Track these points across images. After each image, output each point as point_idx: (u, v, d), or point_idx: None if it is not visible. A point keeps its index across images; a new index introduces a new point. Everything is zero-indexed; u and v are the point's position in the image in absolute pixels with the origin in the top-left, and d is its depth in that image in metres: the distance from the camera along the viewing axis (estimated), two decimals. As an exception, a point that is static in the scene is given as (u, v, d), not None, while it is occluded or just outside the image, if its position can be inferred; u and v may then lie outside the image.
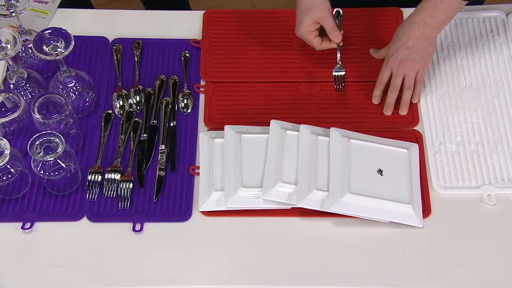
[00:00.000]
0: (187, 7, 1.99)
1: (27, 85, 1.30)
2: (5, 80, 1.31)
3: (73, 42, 1.22)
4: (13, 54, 1.22)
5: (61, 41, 1.22)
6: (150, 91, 1.34)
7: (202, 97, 1.34)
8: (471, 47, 1.39)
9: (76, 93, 1.29)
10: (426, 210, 1.22)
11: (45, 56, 1.21)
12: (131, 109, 1.32)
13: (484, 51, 1.39)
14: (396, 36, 1.29)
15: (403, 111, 1.31)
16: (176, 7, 1.57)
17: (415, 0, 1.28)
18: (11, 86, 1.29)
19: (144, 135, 1.29)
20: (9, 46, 1.22)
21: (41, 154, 1.16)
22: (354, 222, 1.20)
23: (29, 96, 1.30)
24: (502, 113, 1.31)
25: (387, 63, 1.29)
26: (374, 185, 1.21)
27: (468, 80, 1.35)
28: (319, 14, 1.28)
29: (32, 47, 1.21)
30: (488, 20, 1.42)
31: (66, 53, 1.21)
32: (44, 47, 1.22)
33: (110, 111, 1.32)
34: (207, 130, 1.30)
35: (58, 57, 1.21)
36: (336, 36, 1.31)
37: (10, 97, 1.24)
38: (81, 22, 1.44)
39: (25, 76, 1.29)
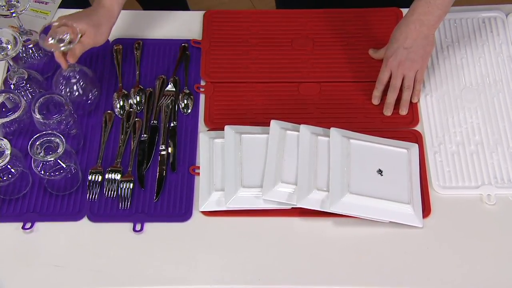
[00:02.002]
0: (185, 8, 1.99)
1: (28, 86, 1.30)
2: (5, 81, 1.31)
3: (79, 35, 1.21)
4: (14, 55, 1.22)
5: (67, 34, 1.21)
6: (150, 91, 1.34)
7: (202, 97, 1.35)
8: (471, 47, 1.39)
9: (80, 89, 1.29)
10: (426, 210, 1.22)
11: (50, 47, 1.20)
12: (131, 109, 1.32)
13: (484, 51, 1.39)
14: (393, 37, 1.29)
15: (403, 111, 1.31)
16: (174, 8, 1.57)
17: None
18: (12, 86, 1.29)
19: (145, 135, 1.29)
20: (9, 46, 1.22)
21: (41, 154, 1.16)
22: (354, 222, 1.20)
23: (30, 96, 1.30)
24: (501, 113, 1.31)
25: (386, 64, 1.29)
26: (374, 185, 1.21)
27: (468, 80, 1.36)
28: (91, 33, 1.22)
29: (38, 38, 1.21)
30: (488, 20, 1.42)
31: (72, 46, 1.20)
32: (50, 40, 1.21)
33: (110, 111, 1.32)
34: (207, 130, 1.30)
35: (63, 48, 1.20)
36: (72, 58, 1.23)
37: (11, 98, 1.25)
38: (82, 23, 1.44)
39: (26, 77, 1.29)
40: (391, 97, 1.30)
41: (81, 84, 1.29)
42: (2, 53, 1.22)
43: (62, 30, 1.20)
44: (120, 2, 1.27)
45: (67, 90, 1.27)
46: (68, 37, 1.20)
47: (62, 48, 1.20)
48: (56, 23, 1.21)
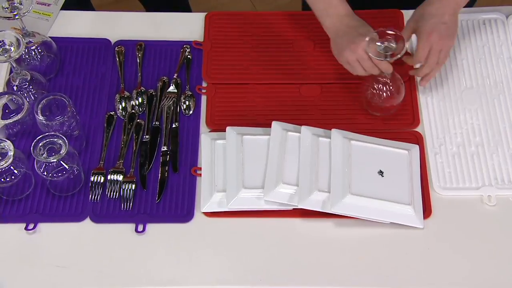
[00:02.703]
0: (187, 9, 2.00)
1: (30, 87, 1.30)
2: (8, 82, 1.32)
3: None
4: (17, 56, 1.23)
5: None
6: (152, 92, 1.35)
7: (204, 99, 1.35)
8: (472, 49, 1.40)
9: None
10: (427, 211, 1.22)
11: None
12: (133, 111, 1.33)
13: (484, 53, 1.39)
14: (427, 12, 1.25)
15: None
16: (177, 9, 1.57)
17: (415, 1, 1.28)
18: (15, 88, 1.30)
19: (146, 137, 1.30)
20: (12, 48, 1.23)
21: (44, 155, 1.16)
22: (355, 223, 1.21)
23: (32, 97, 1.31)
24: (502, 115, 1.32)
25: (427, 39, 1.24)
26: (375, 186, 1.21)
27: (469, 82, 1.36)
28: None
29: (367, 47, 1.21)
30: (488, 22, 1.43)
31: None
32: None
33: (112, 113, 1.33)
34: (209, 132, 1.31)
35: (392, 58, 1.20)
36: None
37: (14, 99, 1.25)
38: (84, 24, 1.44)
39: (28, 78, 1.30)
40: (424, 73, 1.28)
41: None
42: (5, 55, 1.22)
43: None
44: None
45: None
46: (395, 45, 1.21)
47: (392, 59, 1.21)
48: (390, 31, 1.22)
